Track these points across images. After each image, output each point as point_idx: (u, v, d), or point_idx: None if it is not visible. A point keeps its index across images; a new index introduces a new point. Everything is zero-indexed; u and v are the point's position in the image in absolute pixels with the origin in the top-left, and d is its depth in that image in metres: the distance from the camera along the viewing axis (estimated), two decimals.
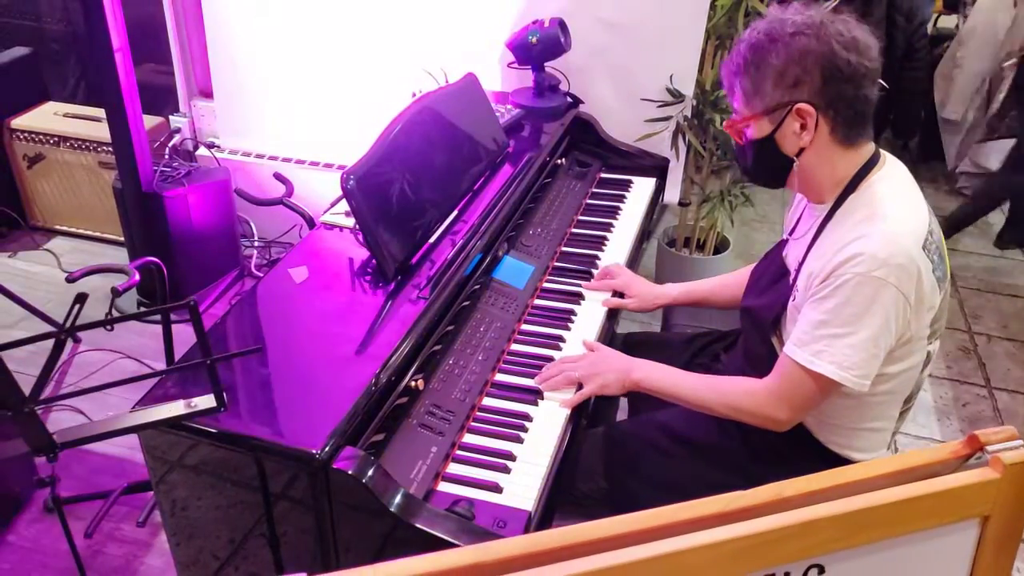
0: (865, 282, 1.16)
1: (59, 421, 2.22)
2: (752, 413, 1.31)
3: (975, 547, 0.74)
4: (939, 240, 1.25)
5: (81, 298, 0.93)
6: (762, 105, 1.26)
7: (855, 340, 1.19)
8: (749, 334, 1.45)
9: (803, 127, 1.24)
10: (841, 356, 1.20)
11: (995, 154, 3.65)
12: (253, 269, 2.91)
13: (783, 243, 1.47)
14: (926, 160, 4.08)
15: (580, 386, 1.44)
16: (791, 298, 1.32)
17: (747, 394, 1.32)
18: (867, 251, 1.17)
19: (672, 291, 1.75)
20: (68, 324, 0.92)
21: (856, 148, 1.27)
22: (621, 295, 1.75)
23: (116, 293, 1.47)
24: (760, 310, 1.39)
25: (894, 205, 1.23)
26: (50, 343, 0.99)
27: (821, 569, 0.71)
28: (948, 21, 4.32)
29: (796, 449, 1.36)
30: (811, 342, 1.23)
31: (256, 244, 3.01)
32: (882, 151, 1.31)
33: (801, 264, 1.32)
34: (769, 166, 1.32)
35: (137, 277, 1.56)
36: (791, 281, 1.34)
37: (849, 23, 1.21)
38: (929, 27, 3.76)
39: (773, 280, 1.41)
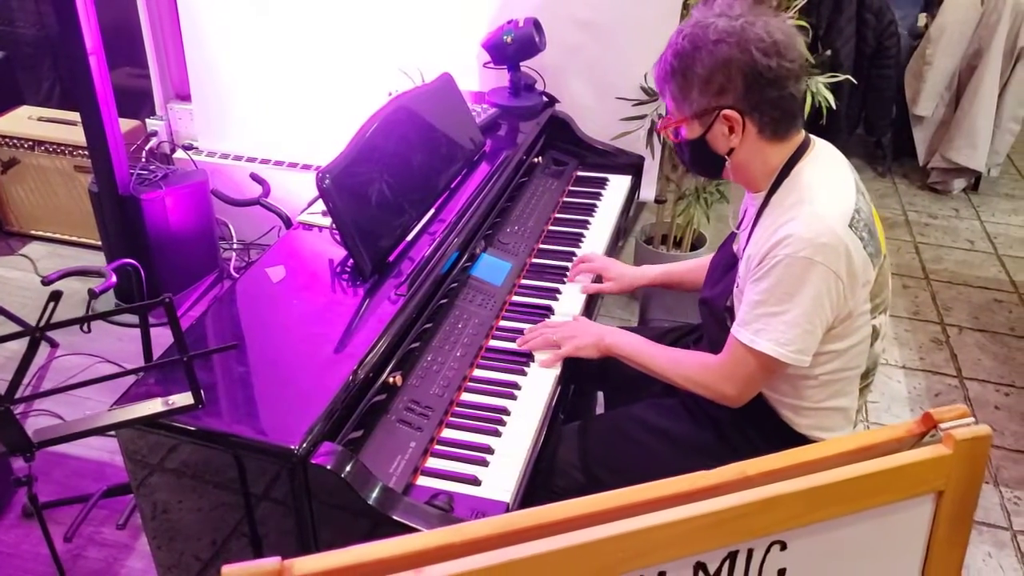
0: (794, 263, 1.21)
1: (36, 426, 2.20)
2: (704, 386, 1.37)
3: (931, 521, 0.77)
4: (868, 218, 1.29)
5: (56, 295, 0.94)
6: (691, 110, 1.30)
7: (789, 318, 1.24)
8: (708, 324, 1.49)
9: (731, 130, 1.29)
10: (778, 333, 1.25)
11: (966, 149, 3.72)
12: (232, 271, 2.90)
13: (734, 235, 1.51)
14: (899, 156, 4.14)
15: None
16: (736, 284, 1.37)
17: (701, 368, 1.38)
18: (794, 233, 1.21)
19: (650, 272, 1.80)
20: (43, 322, 0.93)
21: (786, 141, 1.32)
22: (600, 281, 1.78)
23: (93, 295, 1.47)
24: (714, 300, 1.43)
25: (820, 188, 1.27)
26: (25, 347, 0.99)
27: (783, 545, 0.73)
28: (919, 19, 4.38)
29: (768, 436, 1.39)
30: (752, 321, 1.28)
31: (235, 247, 3.00)
32: (812, 136, 1.36)
33: (743, 251, 1.36)
34: (704, 162, 1.37)
35: (114, 279, 1.56)
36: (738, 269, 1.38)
37: (771, 24, 1.24)
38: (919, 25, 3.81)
39: (725, 270, 1.45)
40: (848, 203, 1.26)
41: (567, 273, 1.81)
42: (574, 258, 1.87)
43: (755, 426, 1.39)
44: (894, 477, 0.73)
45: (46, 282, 1.46)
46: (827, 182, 1.29)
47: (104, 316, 1.02)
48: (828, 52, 2.89)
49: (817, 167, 1.31)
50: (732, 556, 0.71)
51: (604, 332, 1.51)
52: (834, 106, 2.39)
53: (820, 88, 2.35)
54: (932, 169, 3.92)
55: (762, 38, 1.23)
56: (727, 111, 1.27)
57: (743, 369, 1.31)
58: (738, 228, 1.48)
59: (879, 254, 1.30)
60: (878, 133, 4.04)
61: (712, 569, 0.71)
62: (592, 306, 1.77)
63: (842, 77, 2.48)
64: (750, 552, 0.72)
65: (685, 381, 1.40)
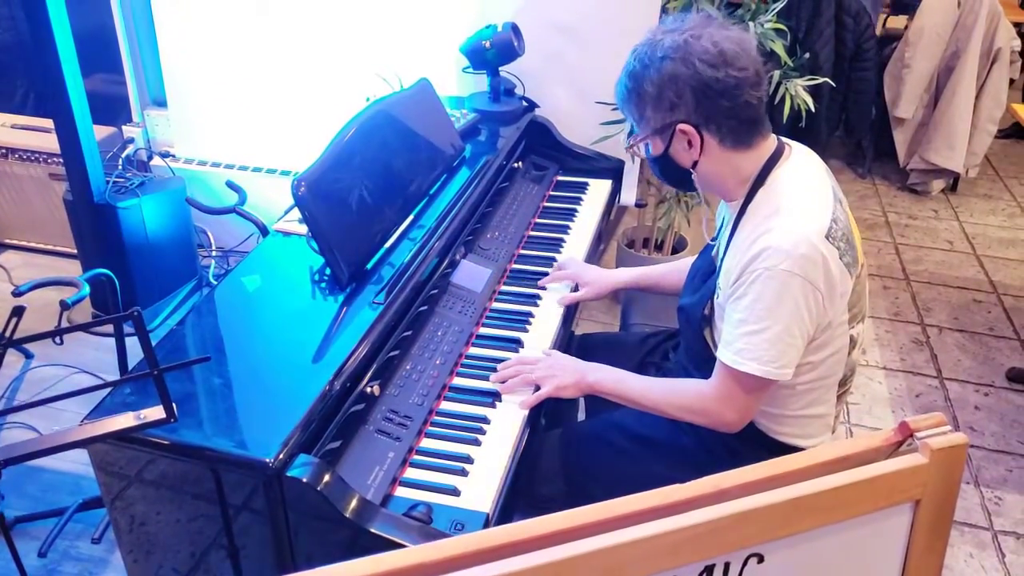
0: (773, 276, 1.21)
1: (11, 439, 2.17)
2: (702, 413, 1.34)
3: (909, 530, 0.77)
4: (845, 227, 1.28)
5: (18, 311, 0.91)
6: (650, 128, 1.31)
7: (770, 335, 1.23)
8: (685, 331, 1.48)
9: (690, 144, 1.29)
10: (760, 352, 1.24)
11: (944, 150, 3.75)
12: (211, 279, 2.87)
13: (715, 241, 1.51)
14: (879, 158, 4.18)
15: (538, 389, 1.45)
16: (715, 294, 1.36)
17: (696, 397, 1.35)
18: (772, 245, 1.21)
19: (624, 275, 1.79)
20: (7, 336, 0.91)
21: (755, 148, 1.31)
22: (577, 288, 1.77)
23: (65, 306, 1.45)
24: (692, 307, 1.43)
25: (796, 198, 1.27)
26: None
27: (760, 558, 0.72)
28: (897, 22, 4.43)
29: (747, 443, 1.38)
30: (734, 341, 1.27)
31: (214, 254, 2.97)
32: (789, 142, 1.35)
33: (722, 260, 1.35)
34: (674, 176, 1.37)
35: (86, 290, 1.53)
36: (716, 277, 1.38)
37: (717, 35, 1.24)
38: (877, 28, 3.84)
39: (704, 278, 1.44)
40: (825, 213, 1.25)
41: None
42: (554, 263, 1.86)
43: (735, 433, 1.39)
44: (871, 487, 0.73)
45: (17, 294, 1.44)
46: (804, 191, 1.28)
47: (72, 330, 1.00)
48: (807, 55, 2.91)
49: (793, 175, 1.30)
50: (709, 570, 0.71)
51: (586, 370, 1.46)
52: (812, 109, 2.40)
53: (799, 91, 2.36)
54: (911, 170, 3.95)
55: (707, 50, 1.22)
56: (682, 126, 1.27)
57: (735, 391, 1.29)
58: (715, 237, 1.47)
59: (856, 263, 1.29)
60: (858, 135, 4.06)
61: None
62: (573, 313, 1.76)
63: (821, 80, 2.49)
64: (727, 566, 0.71)
65: (681, 411, 1.36)
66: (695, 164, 1.31)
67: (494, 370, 1.49)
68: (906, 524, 0.77)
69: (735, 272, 1.26)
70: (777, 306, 1.21)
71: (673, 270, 1.73)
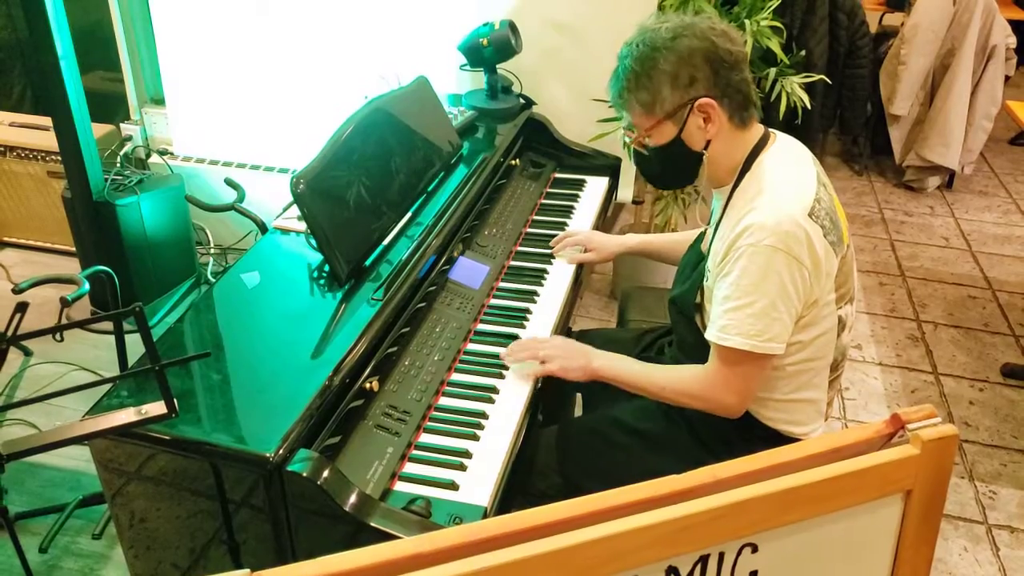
0: (758, 252, 1.23)
1: (10, 436, 2.18)
2: (700, 398, 1.36)
3: (900, 521, 0.78)
4: (829, 207, 1.31)
5: (21, 307, 0.92)
6: (663, 111, 1.33)
7: (755, 309, 1.25)
8: (677, 323, 1.50)
9: (707, 120, 1.32)
10: (746, 326, 1.25)
11: (939, 147, 3.77)
12: (210, 276, 2.88)
13: (703, 233, 1.53)
14: (875, 155, 4.19)
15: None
16: (704, 279, 1.38)
17: (693, 380, 1.37)
18: (755, 222, 1.24)
19: (629, 241, 1.85)
20: (10, 333, 0.91)
21: (748, 129, 1.35)
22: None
23: (65, 303, 1.46)
24: (682, 297, 1.45)
25: (780, 179, 1.30)
26: None
27: (755, 547, 0.73)
28: (894, 19, 4.44)
29: (741, 433, 1.39)
30: (718, 319, 1.29)
31: (212, 251, 2.98)
32: (773, 130, 1.39)
33: (710, 246, 1.38)
34: (680, 165, 1.38)
35: (86, 287, 1.54)
36: (705, 263, 1.40)
37: (711, 18, 1.30)
38: (873, 25, 3.85)
39: (693, 268, 1.47)
40: (808, 193, 1.28)
41: (545, 275, 1.81)
42: (552, 259, 1.88)
43: (728, 423, 1.40)
44: (863, 478, 0.74)
45: (16, 291, 1.44)
46: (787, 173, 1.31)
47: (74, 326, 1.01)
48: (802, 52, 2.92)
49: (777, 159, 1.33)
50: (704, 560, 0.72)
51: (592, 356, 1.47)
52: (808, 106, 2.41)
53: (795, 88, 2.37)
54: (907, 167, 3.97)
55: (713, 26, 1.28)
56: (701, 100, 1.29)
57: (728, 371, 1.30)
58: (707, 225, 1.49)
59: (841, 243, 1.31)
60: (853, 132, 4.07)
61: (684, 573, 0.71)
62: (570, 309, 1.77)
63: (816, 77, 2.50)
64: (721, 555, 0.72)
65: (682, 396, 1.37)
66: (707, 145, 1.34)
67: (493, 366, 1.51)
68: (898, 514, 0.78)
69: (721, 253, 1.29)
70: (762, 281, 1.23)
71: (677, 240, 1.75)
